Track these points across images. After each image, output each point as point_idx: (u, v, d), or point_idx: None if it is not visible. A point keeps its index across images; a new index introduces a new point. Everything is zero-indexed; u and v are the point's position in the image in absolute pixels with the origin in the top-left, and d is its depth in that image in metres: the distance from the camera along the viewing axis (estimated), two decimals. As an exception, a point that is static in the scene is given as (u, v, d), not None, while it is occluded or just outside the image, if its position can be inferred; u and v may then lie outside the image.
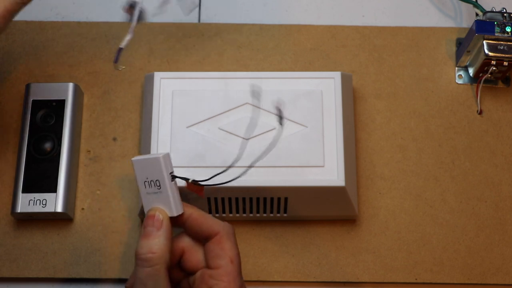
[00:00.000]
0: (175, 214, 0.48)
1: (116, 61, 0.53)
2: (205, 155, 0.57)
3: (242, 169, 0.57)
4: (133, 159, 0.49)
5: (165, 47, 0.66)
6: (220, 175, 0.49)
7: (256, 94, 0.48)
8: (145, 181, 0.49)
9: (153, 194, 0.49)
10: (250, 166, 0.49)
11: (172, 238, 0.48)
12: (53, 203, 0.58)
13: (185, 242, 0.50)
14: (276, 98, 0.57)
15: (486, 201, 0.62)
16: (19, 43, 0.66)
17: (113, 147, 0.63)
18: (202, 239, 0.49)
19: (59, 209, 0.58)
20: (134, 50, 0.66)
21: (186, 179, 0.49)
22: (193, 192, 0.50)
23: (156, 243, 0.46)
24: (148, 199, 0.49)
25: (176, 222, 0.49)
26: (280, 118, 0.48)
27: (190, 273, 0.50)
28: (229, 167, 0.48)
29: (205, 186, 0.49)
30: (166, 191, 0.48)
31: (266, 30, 0.67)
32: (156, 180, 0.48)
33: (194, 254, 0.49)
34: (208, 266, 0.48)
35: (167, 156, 0.48)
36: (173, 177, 0.48)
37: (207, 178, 0.49)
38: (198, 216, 0.49)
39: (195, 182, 0.49)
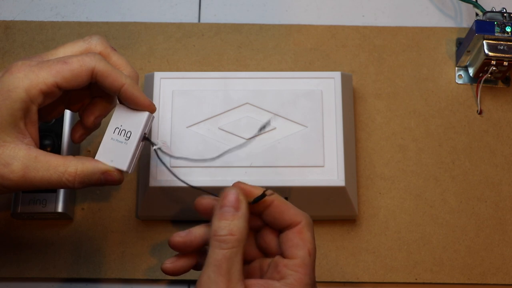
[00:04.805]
0: (125, 169, 0.49)
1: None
2: (205, 155, 0.57)
3: (243, 169, 0.57)
4: (118, 104, 0.50)
5: (165, 47, 0.66)
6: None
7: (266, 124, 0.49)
8: (117, 128, 0.50)
9: (116, 142, 0.49)
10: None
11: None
12: (53, 203, 0.58)
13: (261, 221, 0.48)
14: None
15: (486, 201, 0.62)
16: (19, 43, 0.66)
17: (113, 147, 0.63)
18: (280, 227, 0.47)
19: (59, 209, 0.58)
20: (134, 50, 0.66)
21: (153, 144, 0.50)
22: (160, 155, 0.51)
23: (236, 224, 0.44)
24: (109, 144, 0.49)
25: (257, 207, 0.47)
26: None
27: (264, 253, 0.49)
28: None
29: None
30: (132, 145, 0.49)
31: (266, 30, 0.67)
32: (128, 131, 0.49)
33: (271, 234, 0.48)
34: (284, 255, 0.46)
35: (151, 117, 0.50)
36: (145, 137, 0.49)
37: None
38: (281, 204, 0.47)
39: (161, 149, 0.50)
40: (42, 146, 0.59)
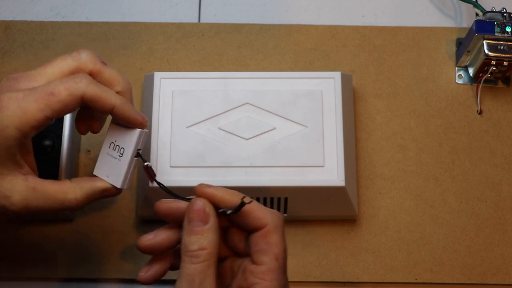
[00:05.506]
0: (119, 186, 0.49)
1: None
2: (205, 155, 0.57)
3: (243, 169, 0.57)
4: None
5: (165, 47, 0.66)
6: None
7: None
8: (112, 142, 0.50)
9: (111, 158, 0.50)
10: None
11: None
12: (53, 203, 0.58)
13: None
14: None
15: (486, 201, 0.62)
16: (19, 43, 0.66)
17: (113, 147, 0.63)
18: (248, 230, 0.46)
19: (59, 209, 0.58)
20: (134, 50, 0.66)
21: (144, 161, 0.50)
22: (146, 174, 0.51)
23: (205, 238, 0.43)
24: (105, 159, 0.50)
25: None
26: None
27: (234, 252, 0.48)
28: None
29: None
30: (125, 162, 0.49)
31: (266, 30, 0.67)
32: (121, 148, 0.49)
33: (239, 235, 0.47)
34: (251, 259, 0.45)
35: (144, 134, 0.49)
36: (138, 154, 0.50)
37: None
38: (246, 206, 0.45)
39: (148, 168, 0.50)
40: (42, 147, 0.59)
